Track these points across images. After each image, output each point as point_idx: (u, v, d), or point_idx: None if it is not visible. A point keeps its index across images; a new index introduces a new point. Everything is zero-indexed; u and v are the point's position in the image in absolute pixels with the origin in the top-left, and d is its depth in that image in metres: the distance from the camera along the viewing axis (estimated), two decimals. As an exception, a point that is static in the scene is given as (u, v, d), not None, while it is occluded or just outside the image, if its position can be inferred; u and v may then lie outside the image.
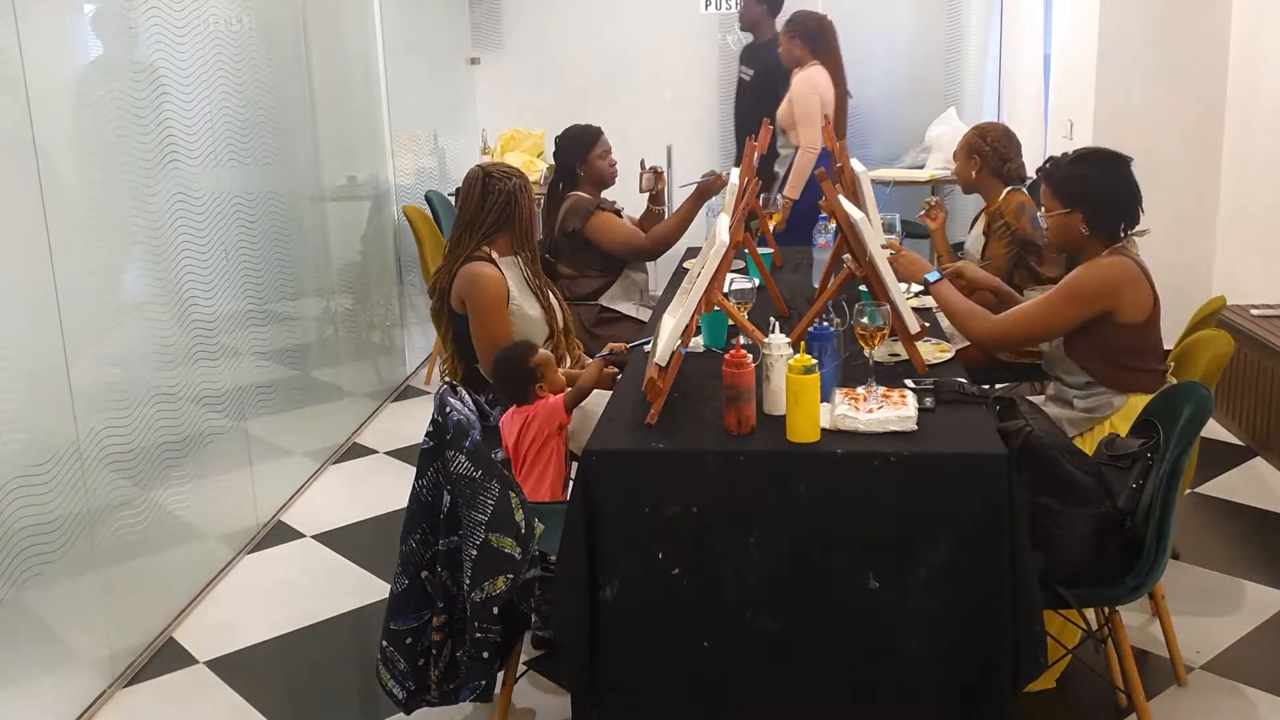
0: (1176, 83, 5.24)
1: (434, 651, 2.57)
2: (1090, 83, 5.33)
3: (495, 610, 2.46)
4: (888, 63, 7.10)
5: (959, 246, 4.37)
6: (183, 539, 3.49)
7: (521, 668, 2.82)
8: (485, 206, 3.34)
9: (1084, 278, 2.92)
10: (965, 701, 2.33)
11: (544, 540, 2.55)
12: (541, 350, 3.11)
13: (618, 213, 4.23)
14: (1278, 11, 4.81)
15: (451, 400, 2.55)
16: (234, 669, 3.16)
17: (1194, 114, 5.25)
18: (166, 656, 3.23)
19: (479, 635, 2.48)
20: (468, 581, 2.45)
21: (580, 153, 4.18)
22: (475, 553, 2.44)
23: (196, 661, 3.21)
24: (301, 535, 3.99)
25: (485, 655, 2.49)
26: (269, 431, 4.09)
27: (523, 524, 2.46)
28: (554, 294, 3.53)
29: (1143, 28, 5.21)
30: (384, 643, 2.60)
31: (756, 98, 5.86)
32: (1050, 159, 3.08)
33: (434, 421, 2.50)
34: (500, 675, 2.67)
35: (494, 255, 3.35)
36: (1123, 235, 2.93)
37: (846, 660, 2.34)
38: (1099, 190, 2.93)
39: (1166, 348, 3.03)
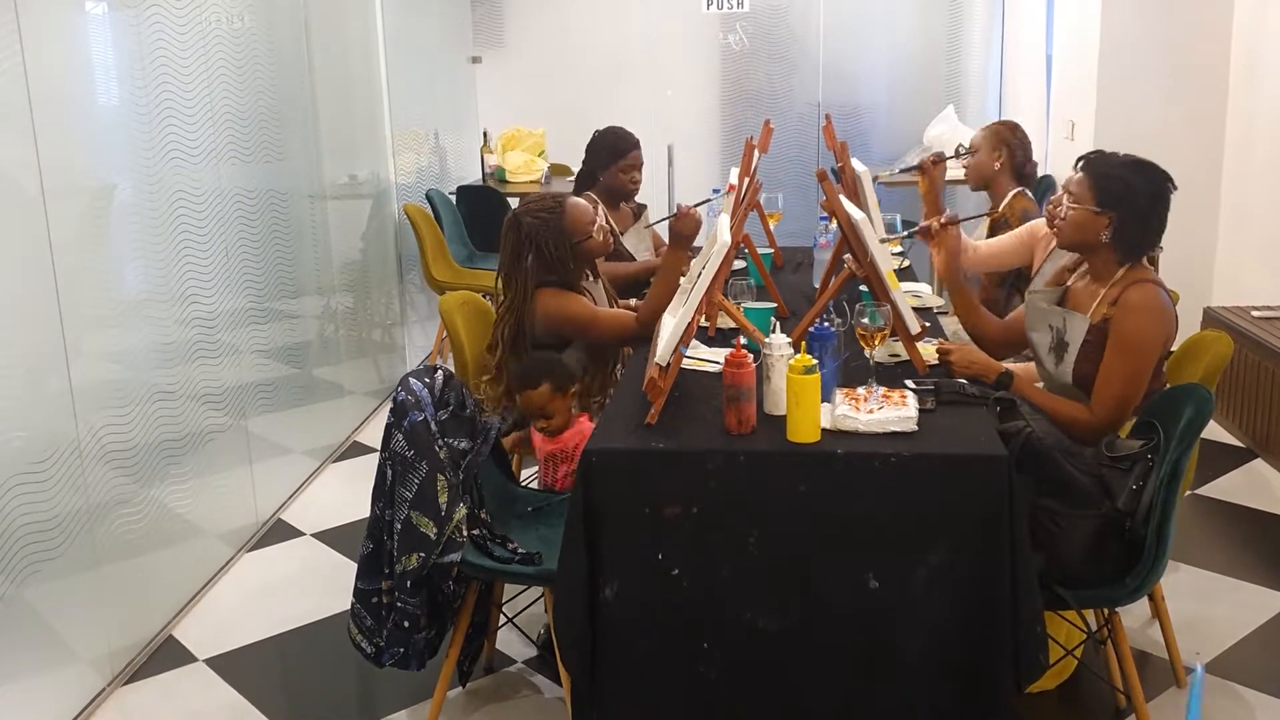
0: (1178, 83, 5.24)
1: (383, 613, 2.70)
2: (1092, 83, 5.33)
3: (409, 584, 2.60)
4: (889, 63, 7.11)
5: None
6: (182, 537, 3.49)
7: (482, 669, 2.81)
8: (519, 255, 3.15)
9: (1152, 330, 2.68)
10: (965, 702, 2.33)
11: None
12: (567, 386, 3.01)
13: (617, 235, 4.03)
14: (1278, 12, 4.81)
15: (411, 381, 2.65)
16: (233, 667, 3.16)
17: (1195, 114, 5.25)
18: (166, 654, 3.23)
19: (399, 604, 2.64)
20: (394, 552, 2.60)
21: (606, 160, 4.06)
22: (399, 527, 2.58)
23: (196, 659, 3.21)
24: (301, 534, 4.00)
25: (405, 625, 2.65)
26: (269, 430, 4.09)
27: (444, 508, 2.57)
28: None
29: (1144, 28, 5.21)
30: (354, 600, 2.75)
31: None
32: (1099, 151, 2.81)
33: (393, 398, 2.66)
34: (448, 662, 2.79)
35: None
36: (1138, 260, 2.76)
37: (846, 660, 2.34)
38: (1138, 206, 2.68)
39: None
